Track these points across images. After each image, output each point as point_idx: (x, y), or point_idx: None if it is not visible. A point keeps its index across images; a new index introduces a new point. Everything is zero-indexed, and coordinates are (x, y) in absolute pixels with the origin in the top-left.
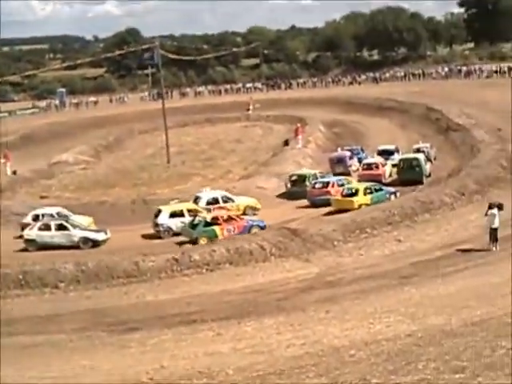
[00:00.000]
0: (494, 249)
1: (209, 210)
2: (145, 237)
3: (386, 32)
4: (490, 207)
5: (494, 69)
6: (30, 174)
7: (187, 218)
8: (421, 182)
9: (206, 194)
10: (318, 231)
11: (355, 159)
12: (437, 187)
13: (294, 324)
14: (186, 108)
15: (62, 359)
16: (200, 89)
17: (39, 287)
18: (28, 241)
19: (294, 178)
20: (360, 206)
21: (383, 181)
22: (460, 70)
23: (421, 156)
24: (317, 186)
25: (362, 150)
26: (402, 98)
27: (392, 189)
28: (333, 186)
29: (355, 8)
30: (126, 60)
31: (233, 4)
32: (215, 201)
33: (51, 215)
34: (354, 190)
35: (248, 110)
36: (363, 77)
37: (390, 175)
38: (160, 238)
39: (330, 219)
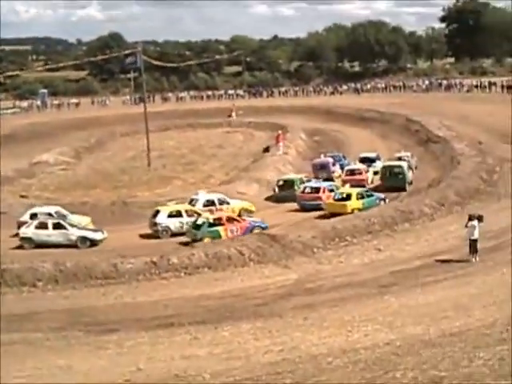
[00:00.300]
0: (473, 260)
1: (211, 211)
2: (142, 237)
3: (367, 44)
4: (470, 219)
5: (474, 83)
6: (11, 173)
7: (185, 219)
8: (404, 189)
9: (203, 196)
10: (298, 238)
11: (337, 166)
12: (417, 197)
13: (272, 330)
14: (167, 112)
15: (38, 358)
16: (182, 94)
17: (17, 286)
18: (24, 239)
19: (281, 182)
20: (353, 210)
21: (366, 186)
22: (440, 84)
23: (404, 164)
24: (307, 190)
25: (344, 157)
26: (383, 108)
27: (381, 195)
28: (324, 191)
29: (337, 20)
30: (109, 64)
31: (216, 12)
32: (211, 203)
33: (49, 214)
34: (346, 195)
35: (230, 116)
36: (344, 87)
37: (372, 182)
38: (157, 237)
39: (322, 223)
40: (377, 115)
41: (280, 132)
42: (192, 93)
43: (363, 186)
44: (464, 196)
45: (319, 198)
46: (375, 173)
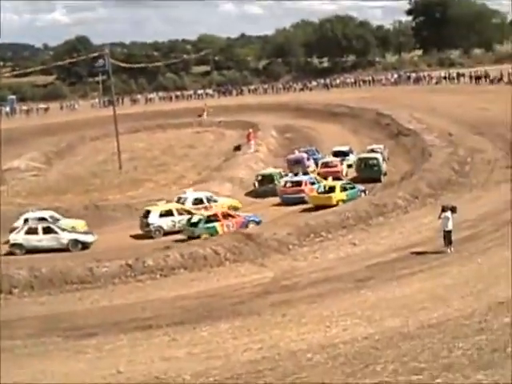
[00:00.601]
0: (448, 251)
1: (206, 208)
2: (134, 237)
3: (335, 39)
4: (444, 210)
5: (442, 75)
6: None
7: (177, 218)
8: (379, 180)
9: (191, 195)
10: (273, 235)
11: (311, 160)
12: (390, 190)
13: (251, 328)
14: (137, 114)
15: (17, 365)
16: (151, 95)
17: None
18: (14, 245)
19: (260, 177)
20: (338, 202)
21: (341, 178)
22: (409, 77)
23: (379, 155)
24: (289, 184)
25: (317, 151)
26: (353, 103)
27: (362, 187)
28: (306, 184)
29: (304, 16)
30: (77, 67)
31: (183, 12)
32: (200, 201)
33: (43, 218)
34: (330, 187)
35: (200, 115)
36: (314, 83)
37: (346, 174)
38: (149, 237)
39: (313, 216)
40: (347, 110)
41: (251, 130)
42: (161, 94)
43: (338, 178)
44: (437, 187)
45: (302, 191)
46: (349, 166)
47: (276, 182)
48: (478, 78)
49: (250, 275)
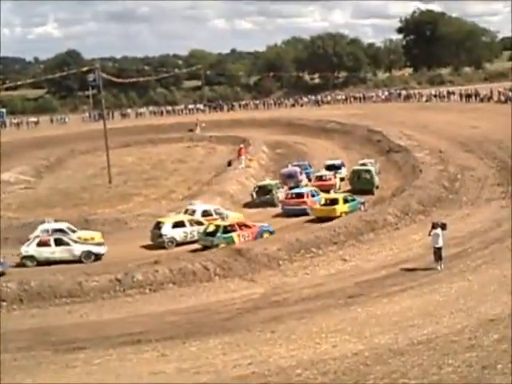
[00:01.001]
0: (438, 268)
1: (223, 219)
2: (146, 248)
3: (326, 56)
4: (434, 227)
5: (433, 93)
6: None
7: (188, 228)
8: (372, 192)
9: (200, 207)
10: (263, 251)
11: (303, 174)
12: (381, 207)
13: (240, 344)
14: (127, 129)
15: (6, 378)
16: (141, 110)
17: None
18: (25, 257)
19: (258, 188)
20: (341, 213)
21: (335, 190)
22: (400, 94)
23: (372, 168)
24: (291, 196)
25: (310, 165)
26: (344, 120)
27: (361, 199)
28: (307, 196)
29: (296, 33)
30: (67, 81)
31: (173, 27)
32: (208, 213)
33: (61, 230)
34: (332, 200)
35: (191, 130)
36: (305, 99)
37: (339, 188)
38: (162, 248)
39: (317, 227)
40: (338, 126)
41: (242, 145)
42: (151, 108)
43: (328, 191)
44: (427, 204)
45: (304, 203)
46: (341, 179)
47: (274, 192)
48: (468, 96)
49: (239, 291)
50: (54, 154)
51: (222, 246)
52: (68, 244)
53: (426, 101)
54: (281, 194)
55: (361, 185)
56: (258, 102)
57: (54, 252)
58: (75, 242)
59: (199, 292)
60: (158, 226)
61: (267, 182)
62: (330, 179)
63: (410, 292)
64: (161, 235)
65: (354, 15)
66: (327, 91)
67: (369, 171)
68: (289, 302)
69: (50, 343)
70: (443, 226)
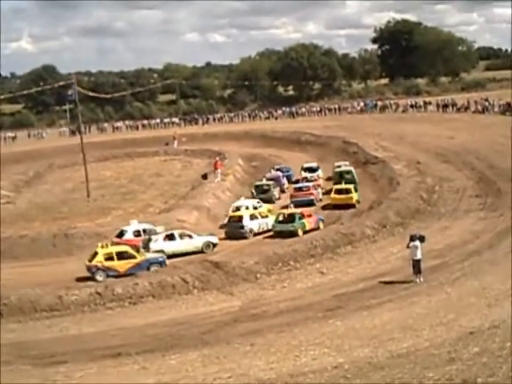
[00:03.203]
0: (417, 280)
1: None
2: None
3: (300, 68)
4: (412, 239)
5: (409, 103)
6: None
7: (259, 220)
8: (355, 189)
9: (244, 202)
10: (241, 264)
11: (285, 178)
12: (358, 219)
13: (220, 357)
14: (104, 143)
15: None
16: (118, 124)
17: None
18: (157, 252)
19: (256, 187)
20: (356, 201)
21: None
22: (375, 105)
23: (352, 168)
24: (298, 189)
25: (289, 168)
26: (319, 131)
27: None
28: (314, 188)
29: (269, 45)
30: (44, 96)
31: (147, 41)
32: (254, 207)
33: (151, 230)
34: (347, 189)
35: (167, 144)
36: (279, 111)
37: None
38: (242, 238)
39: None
40: (313, 138)
41: (218, 159)
42: (128, 122)
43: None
44: (405, 216)
45: (311, 194)
46: (328, 178)
47: (271, 189)
48: (444, 106)
49: (218, 303)
50: (33, 169)
51: (300, 231)
52: (191, 237)
53: (403, 111)
54: (276, 192)
55: (344, 182)
56: (232, 114)
57: (179, 245)
58: (198, 235)
59: (178, 305)
60: (236, 219)
61: (264, 181)
62: (316, 180)
63: (389, 305)
64: (242, 227)
65: (327, 26)
66: (302, 103)
67: (350, 172)
68: (267, 315)
69: (29, 357)
70: (421, 239)
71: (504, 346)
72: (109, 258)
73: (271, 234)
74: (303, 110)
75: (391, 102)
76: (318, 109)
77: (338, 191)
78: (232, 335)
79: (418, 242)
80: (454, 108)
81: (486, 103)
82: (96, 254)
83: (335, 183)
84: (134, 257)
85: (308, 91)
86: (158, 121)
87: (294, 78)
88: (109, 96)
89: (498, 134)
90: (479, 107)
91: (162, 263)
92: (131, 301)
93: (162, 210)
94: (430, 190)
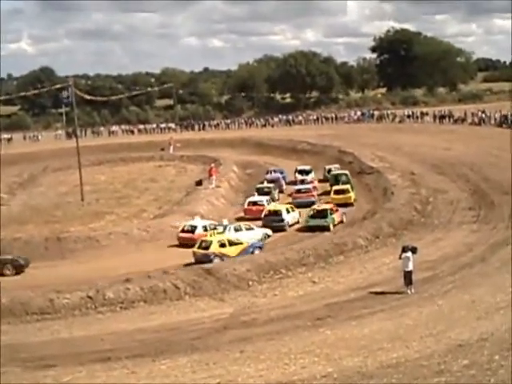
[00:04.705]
0: (408, 292)
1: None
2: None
3: (298, 75)
4: (404, 250)
5: (406, 113)
6: None
7: (292, 214)
8: (352, 188)
9: (257, 198)
10: (233, 271)
11: (284, 180)
12: (351, 229)
13: (209, 363)
14: (100, 147)
15: None
16: (114, 128)
17: None
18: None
19: (257, 190)
20: (354, 200)
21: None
22: (373, 115)
23: (347, 172)
24: (300, 191)
25: (283, 170)
26: (315, 140)
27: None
28: (313, 190)
29: (268, 51)
30: (40, 98)
31: (146, 45)
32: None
33: (214, 225)
34: (344, 189)
35: (163, 149)
36: (276, 119)
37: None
38: (281, 231)
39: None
40: (309, 147)
41: (213, 165)
42: (124, 127)
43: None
44: (398, 227)
45: (312, 196)
46: (322, 180)
47: (272, 191)
48: (441, 117)
49: (209, 310)
50: (27, 171)
51: (331, 226)
52: (253, 229)
53: (400, 121)
54: (276, 193)
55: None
56: (229, 121)
57: (244, 235)
58: (252, 229)
59: (169, 310)
60: (274, 213)
61: (265, 184)
62: (313, 182)
63: (380, 315)
64: (282, 220)
65: (326, 33)
66: (299, 111)
67: (346, 174)
68: (258, 323)
69: (20, 360)
70: (414, 250)
71: (492, 358)
72: (222, 245)
73: (299, 227)
74: (300, 118)
75: (388, 112)
76: (315, 117)
77: (337, 192)
78: (222, 342)
79: (410, 254)
80: (451, 119)
81: (483, 115)
82: (210, 242)
83: (331, 185)
84: (241, 243)
85: (305, 99)
86: (154, 126)
87: (291, 85)
88: (105, 99)
89: (493, 147)
90: (476, 119)
91: (261, 247)
92: (122, 306)
93: (156, 215)
94: (424, 201)
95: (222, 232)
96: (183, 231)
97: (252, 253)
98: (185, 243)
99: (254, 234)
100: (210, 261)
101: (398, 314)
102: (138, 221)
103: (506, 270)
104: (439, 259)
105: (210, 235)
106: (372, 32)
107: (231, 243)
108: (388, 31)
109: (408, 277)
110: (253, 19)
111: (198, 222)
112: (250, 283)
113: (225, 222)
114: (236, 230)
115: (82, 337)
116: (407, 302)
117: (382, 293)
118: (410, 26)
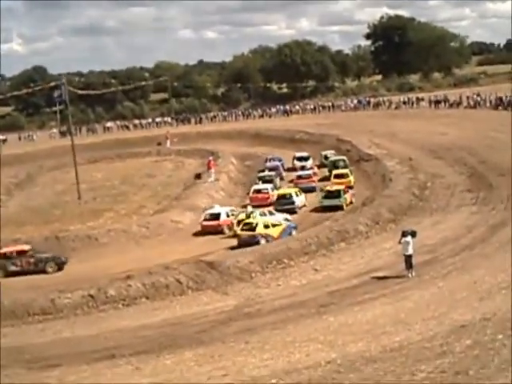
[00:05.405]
0: (409, 275)
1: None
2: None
3: (293, 65)
4: (404, 235)
5: (402, 100)
6: None
7: (300, 197)
8: (350, 172)
9: (262, 186)
10: (235, 263)
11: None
12: (351, 216)
13: (214, 356)
14: (95, 144)
15: None
16: (109, 124)
17: None
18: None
19: (259, 179)
20: (354, 182)
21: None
22: (369, 102)
23: (345, 157)
24: (301, 177)
25: (281, 158)
26: (313, 129)
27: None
28: (314, 175)
29: (262, 41)
30: (34, 98)
31: (139, 39)
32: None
33: (235, 211)
34: (343, 174)
35: (159, 144)
36: (273, 110)
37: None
38: (292, 213)
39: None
40: (307, 136)
41: (211, 158)
42: (119, 122)
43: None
44: (397, 213)
45: (313, 181)
46: (321, 166)
47: (274, 179)
48: (437, 102)
49: (212, 303)
50: (23, 172)
51: (344, 206)
52: (274, 214)
53: (396, 108)
54: (277, 180)
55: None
56: (225, 113)
57: (269, 219)
58: (273, 214)
59: (172, 305)
60: (288, 196)
61: (267, 172)
62: (313, 168)
63: (382, 300)
64: (293, 202)
65: (320, 22)
66: (295, 101)
67: (344, 160)
68: (262, 313)
69: (23, 361)
70: (413, 234)
71: (495, 338)
72: (266, 226)
73: (310, 209)
74: (297, 107)
75: (384, 99)
76: (312, 106)
77: (337, 176)
78: (226, 334)
79: (409, 238)
80: (447, 104)
81: (478, 98)
82: (255, 224)
83: (330, 170)
84: (280, 224)
85: (302, 89)
86: (150, 120)
87: (287, 75)
88: (99, 92)
89: (489, 129)
90: (471, 102)
91: (296, 227)
92: (124, 302)
93: (156, 211)
94: (422, 186)
95: (247, 217)
96: (206, 219)
97: (290, 234)
98: (209, 231)
99: (276, 217)
100: (257, 242)
101: (399, 297)
102: (138, 217)
103: (506, 250)
104: (439, 242)
105: (239, 220)
106: (366, 19)
107: (273, 225)
108: (382, 18)
109: (408, 260)
110: (246, 10)
111: (220, 209)
112: (253, 275)
113: (249, 208)
114: (261, 215)
115: (85, 336)
116: (408, 285)
117: (384, 277)
118: (404, 12)
